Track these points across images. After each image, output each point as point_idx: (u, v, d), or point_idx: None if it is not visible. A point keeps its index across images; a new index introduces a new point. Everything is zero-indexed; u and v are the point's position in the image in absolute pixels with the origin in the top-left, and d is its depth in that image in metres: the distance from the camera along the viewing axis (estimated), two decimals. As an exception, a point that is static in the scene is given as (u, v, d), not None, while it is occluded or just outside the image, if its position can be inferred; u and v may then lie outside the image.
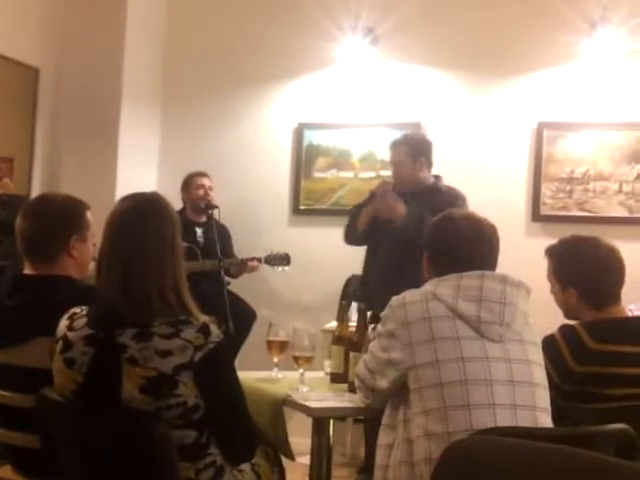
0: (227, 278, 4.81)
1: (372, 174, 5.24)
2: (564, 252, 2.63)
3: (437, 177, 4.28)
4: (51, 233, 2.43)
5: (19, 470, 2.44)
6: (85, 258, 2.49)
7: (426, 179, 4.24)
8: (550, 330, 2.50)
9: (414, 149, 4.24)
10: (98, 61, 5.23)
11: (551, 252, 2.66)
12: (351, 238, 4.34)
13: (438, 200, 3.99)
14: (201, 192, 5.00)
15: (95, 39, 5.23)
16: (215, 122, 5.51)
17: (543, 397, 2.16)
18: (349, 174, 5.30)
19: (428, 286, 2.25)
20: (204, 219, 4.98)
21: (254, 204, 5.36)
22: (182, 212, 4.91)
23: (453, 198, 4.10)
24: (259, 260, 4.88)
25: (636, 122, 4.80)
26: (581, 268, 2.56)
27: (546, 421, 2.14)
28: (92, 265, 2.40)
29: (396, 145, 4.30)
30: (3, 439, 2.43)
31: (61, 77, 5.30)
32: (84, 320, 2.08)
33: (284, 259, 4.89)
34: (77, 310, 2.12)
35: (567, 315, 2.65)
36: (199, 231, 4.95)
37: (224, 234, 5.03)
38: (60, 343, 2.09)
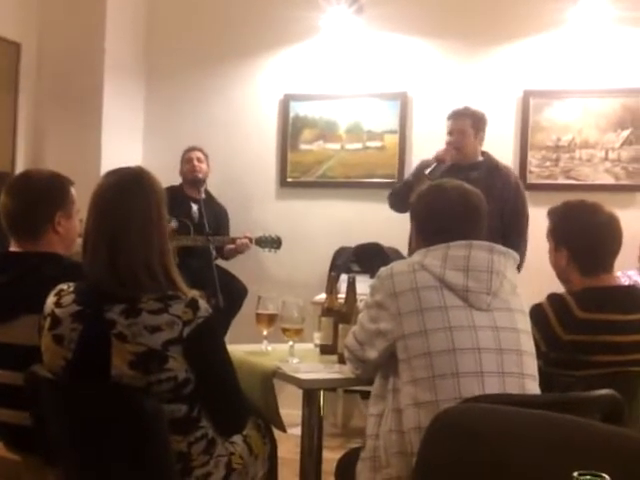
0: (220, 260, 4.82)
1: (359, 145, 5.23)
2: (564, 212, 2.62)
3: (484, 152, 4.31)
4: (35, 210, 2.43)
5: (11, 447, 2.44)
6: (71, 234, 2.49)
7: (479, 154, 4.28)
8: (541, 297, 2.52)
9: (477, 122, 4.26)
10: (80, 35, 5.19)
11: (552, 212, 2.65)
12: (404, 205, 3.93)
13: (502, 177, 4.15)
14: (188, 165, 5.00)
15: (76, 12, 5.18)
16: (200, 95, 5.47)
17: (530, 364, 2.17)
18: (336, 145, 5.29)
19: (416, 257, 2.25)
20: (201, 195, 4.97)
21: (241, 177, 5.35)
22: (180, 187, 4.97)
23: (513, 176, 4.29)
24: (250, 239, 4.87)
25: (621, 89, 4.81)
26: (577, 230, 2.55)
27: (533, 388, 2.15)
28: (79, 241, 2.39)
29: (459, 115, 4.26)
30: (-7, 416, 2.45)
31: (43, 52, 5.25)
32: (72, 297, 2.08)
33: (275, 242, 4.88)
34: (64, 287, 2.11)
35: (559, 276, 2.65)
36: (194, 207, 4.94)
37: (221, 214, 5.06)
38: (48, 320, 2.09)
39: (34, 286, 2.20)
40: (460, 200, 2.33)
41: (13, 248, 2.45)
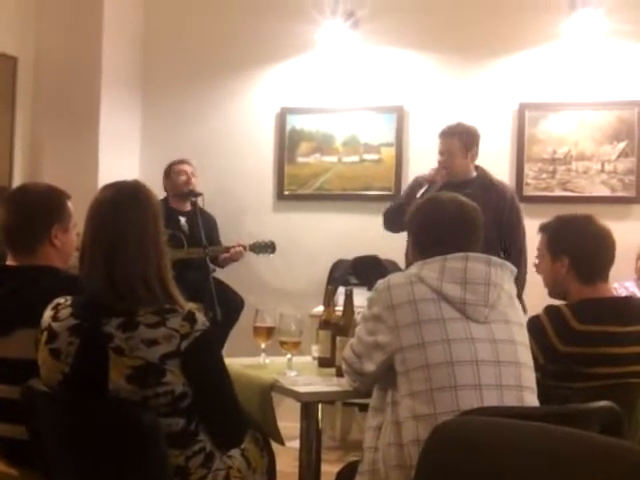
0: (213, 266, 4.80)
1: (355, 158, 5.24)
2: (560, 224, 2.63)
3: (477, 167, 4.29)
4: (32, 223, 2.43)
5: (9, 461, 2.43)
6: (68, 248, 2.48)
7: (470, 171, 4.25)
8: (536, 311, 2.52)
9: (466, 140, 4.21)
10: (76, 48, 5.19)
11: (546, 226, 2.66)
12: (398, 225, 3.95)
13: (497, 193, 4.13)
14: (183, 178, 4.96)
15: (73, 26, 5.19)
16: (197, 108, 5.48)
17: (529, 377, 2.17)
18: (333, 158, 5.29)
19: (413, 269, 2.25)
20: (188, 208, 4.95)
21: (238, 190, 5.35)
22: (164, 201, 4.84)
23: (509, 191, 4.28)
24: (244, 247, 4.87)
25: (616, 101, 4.83)
26: (577, 238, 2.56)
27: (532, 400, 2.15)
28: (76, 254, 2.39)
29: (448, 135, 4.23)
30: (-10, 431, 2.44)
31: (40, 65, 5.26)
32: (69, 310, 2.07)
33: (269, 247, 4.88)
34: (61, 300, 2.11)
35: (553, 290, 2.65)
36: (182, 220, 4.91)
37: (210, 222, 5.01)
38: (45, 334, 2.08)
39: (31, 300, 2.20)
40: (456, 212, 2.34)
41: (10, 262, 2.45)
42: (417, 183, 4.28)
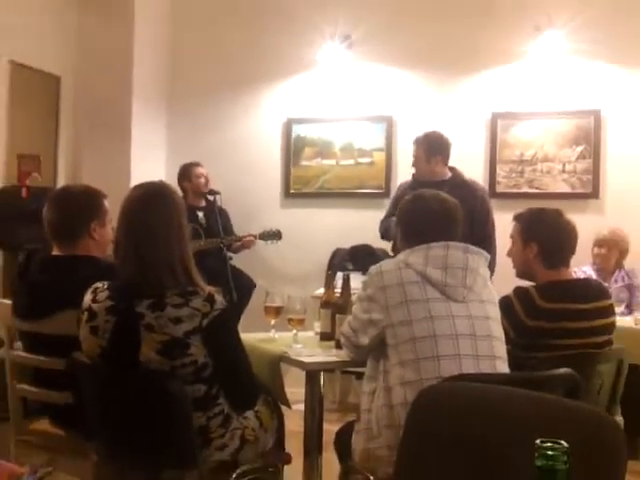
0: (229, 255, 4.80)
1: (351, 161, 5.24)
2: (533, 215, 2.62)
3: (452, 169, 4.22)
4: (73, 219, 2.43)
5: (55, 423, 2.45)
6: (105, 240, 2.49)
7: (443, 173, 4.18)
8: (507, 291, 2.52)
9: (430, 148, 4.15)
10: (111, 69, 5.19)
11: (519, 216, 2.65)
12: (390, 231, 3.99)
13: (469, 191, 4.04)
14: (202, 180, 4.95)
15: (107, 49, 5.18)
16: (215, 119, 5.48)
17: (500, 348, 2.17)
18: (332, 162, 5.28)
19: (401, 256, 2.25)
20: (203, 204, 4.96)
21: (251, 189, 5.35)
22: (184, 198, 4.86)
23: (480, 189, 4.21)
24: (254, 236, 4.88)
25: (575, 111, 4.82)
26: (547, 229, 2.56)
27: (503, 368, 2.15)
28: (111, 246, 2.40)
29: (414, 143, 4.23)
30: (41, 397, 2.45)
31: (79, 83, 5.25)
32: (106, 293, 2.08)
33: (276, 235, 4.88)
34: (99, 285, 2.11)
35: (521, 272, 2.64)
36: (200, 214, 4.91)
37: (224, 216, 5.00)
38: (86, 314, 2.09)
39: (72, 284, 2.20)
40: (438, 207, 2.33)
41: (55, 252, 2.45)
42: (401, 188, 4.25)
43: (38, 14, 4.92)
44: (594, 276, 4.22)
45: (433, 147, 4.16)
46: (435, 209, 2.32)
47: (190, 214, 4.68)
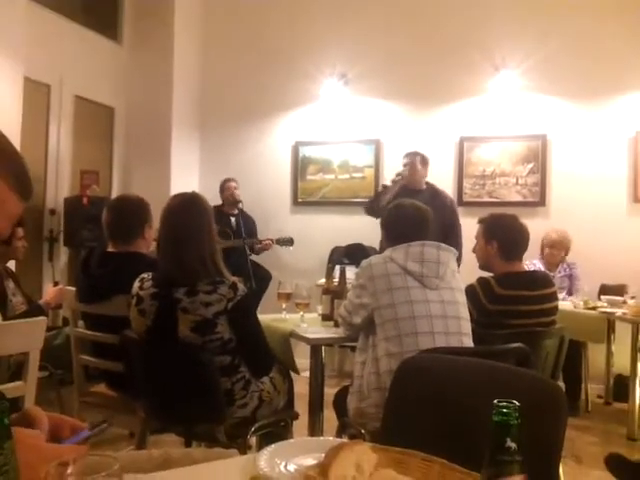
0: (250, 252, 4.80)
1: (347, 176, 5.23)
2: (494, 219, 2.62)
3: (427, 182, 4.29)
4: (130, 222, 2.43)
5: (110, 387, 2.45)
6: (150, 239, 2.49)
7: (424, 183, 4.26)
8: (471, 282, 2.52)
9: (423, 159, 4.26)
10: (154, 101, 5.18)
11: (483, 219, 2.65)
12: (374, 211, 4.08)
13: (441, 200, 4.13)
14: (229, 192, 4.96)
15: (152, 85, 5.18)
16: (237, 142, 5.47)
17: (466, 326, 2.17)
18: (331, 176, 5.27)
19: (386, 252, 2.24)
20: (236, 212, 4.96)
21: (266, 199, 5.34)
22: (221, 207, 4.89)
23: (449, 198, 4.30)
24: (272, 240, 4.88)
25: (527, 135, 4.80)
26: (505, 229, 2.55)
27: (469, 342, 2.15)
28: (153, 244, 2.39)
29: (413, 155, 4.26)
30: (99, 365, 2.45)
31: (129, 113, 5.24)
32: (150, 282, 2.08)
33: (289, 241, 4.88)
34: (145, 275, 2.12)
35: (483, 265, 2.63)
36: (232, 219, 4.91)
37: (250, 223, 5.02)
38: (134, 299, 2.09)
39: (125, 275, 2.20)
40: (414, 213, 2.32)
41: (110, 249, 2.45)
42: (380, 190, 4.32)
43: (96, 56, 4.92)
44: (542, 268, 4.21)
45: (424, 159, 4.29)
46: (412, 215, 2.31)
47: (225, 219, 4.75)
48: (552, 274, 4.08)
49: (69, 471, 0.64)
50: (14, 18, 3.72)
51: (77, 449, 0.83)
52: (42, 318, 2.02)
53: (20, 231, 3.18)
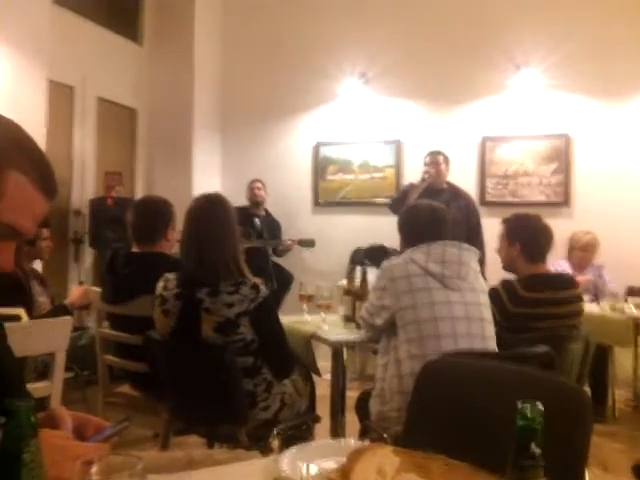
0: (271, 253, 4.82)
1: (367, 176, 5.21)
2: (517, 219, 2.58)
3: (448, 182, 4.29)
4: (154, 223, 2.44)
5: (134, 387, 2.47)
6: (173, 240, 2.50)
7: (445, 182, 4.26)
8: (496, 282, 2.49)
9: (446, 158, 4.29)
10: (176, 102, 5.22)
11: (507, 219, 2.62)
12: (399, 208, 4.02)
13: (464, 199, 4.14)
14: (255, 192, 5.00)
15: (173, 87, 5.22)
16: (259, 143, 5.49)
17: (490, 329, 2.14)
18: (351, 177, 5.26)
19: (407, 254, 2.20)
20: (263, 213, 4.99)
21: (288, 199, 5.34)
22: (247, 207, 4.92)
23: (471, 198, 4.30)
24: (293, 241, 4.89)
25: (550, 134, 4.74)
26: (529, 230, 2.52)
27: (492, 346, 2.12)
28: (177, 245, 2.41)
29: (437, 154, 4.28)
30: (123, 366, 2.47)
31: (152, 114, 5.29)
32: (174, 282, 2.10)
33: (311, 243, 4.89)
34: (169, 276, 2.14)
35: (506, 266, 2.60)
36: (257, 220, 4.93)
37: (275, 225, 5.05)
38: (158, 299, 2.11)
39: (149, 276, 2.21)
40: (429, 214, 2.29)
41: (134, 250, 2.48)
42: (406, 187, 4.32)
43: (118, 58, 4.98)
44: (569, 270, 4.15)
45: (446, 158, 4.31)
46: (428, 215, 2.28)
47: (249, 220, 4.79)
48: (580, 275, 4.02)
49: (94, 470, 0.65)
50: (39, 21, 3.79)
51: (101, 447, 0.84)
52: (67, 318, 2.05)
53: (45, 232, 3.24)
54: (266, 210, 5.03)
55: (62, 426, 0.87)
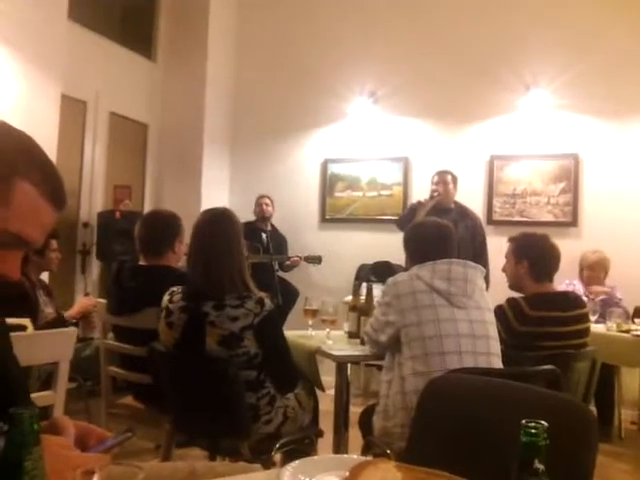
0: (277, 268, 4.82)
1: (375, 193, 5.22)
2: (525, 238, 2.57)
3: (455, 202, 4.32)
4: (162, 236, 2.45)
5: (137, 398, 2.47)
6: (180, 254, 2.51)
7: (452, 202, 4.29)
8: (500, 301, 2.48)
9: (453, 178, 4.32)
10: (187, 118, 5.28)
11: (514, 238, 2.61)
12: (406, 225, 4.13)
13: (471, 219, 4.19)
14: (263, 208, 5.02)
15: (185, 103, 5.28)
16: (267, 158, 5.52)
17: (495, 346, 2.13)
18: (359, 194, 5.27)
19: (412, 270, 2.20)
20: (269, 228, 5.00)
21: (295, 215, 5.36)
22: (254, 222, 4.94)
23: (478, 218, 4.32)
24: (300, 258, 4.90)
25: (558, 154, 4.74)
26: (536, 249, 2.51)
27: (498, 363, 2.11)
28: (183, 258, 2.42)
29: (445, 173, 4.31)
30: (126, 377, 2.47)
31: (163, 129, 5.35)
32: (180, 296, 2.11)
33: (317, 259, 4.89)
34: (175, 289, 2.15)
35: (513, 284, 2.58)
36: (263, 235, 4.95)
37: (281, 240, 5.06)
38: (164, 311, 2.12)
39: (155, 288, 2.23)
40: (435, 231, 2.29)
41: (141, 262, 2.49)
42: (414, 205, 4.33)
43: (131, 74, 5.05)
44: (582, 289, 4.13)
45: (454, 177, 4.34)
46: (433, 233, 2.28)
47: (257, 234, 4.80)
48: (592, 297, 4.01)
49: (95, 479, 0.65)
50: (55, 37, 3.86)
51: (102, 457, 0.84)
52: (72, 329, 2.05)
53: (54, 243, 3.26)
54: (272, 225, 5.05)
55: (65, 435, 0.88)
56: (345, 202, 5.31)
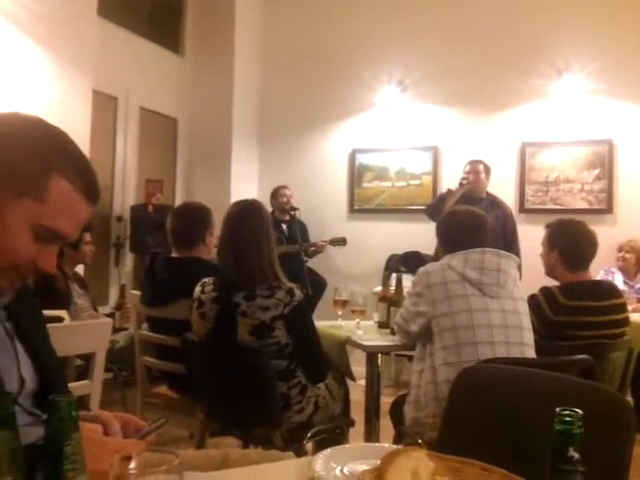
0: (306, 259, 4.83)
1: (404, 183, 5.18)
2: (558, 225, 2.52)
3: (487, 192, 4.29)
4: (193, 228, 2.48)
5: (171, 388, 2.51)
6: (211, 245, 2.54)
7: (484, 192, 4.27)
8: (532, 291, 2.44)
9: (486, 167, 4.30)
10: (216, 112, 5.31)
11: (549, 224, 2.55)
12: (438, 215, 4.07)
13: (502, 209, 4.17)
14: (285, 199, 5.01)
15: (213, 97, 5.31)
16: (295, 150, 5.53)
17: (528, 336, 2.10)
18: (387, 184, 5.24)
19: (444, 260, 2.19)
20: (287, 218, 5.01)
21: (324, 206, 5.36)
22: (272, 213, 4.93)
23: (509, 208, 4.30)
24: (325, 242, 4.89)
25: (592, 140, 4.63)
26: (568, 237, 2.45)
27: (531, 353, 2.09)
28: (214, 250, 2.44)
29: (477, 162, 4.29)
30: (161, 367, 2.52)
31: (192, 124, 5.39)
32: (211, 287, 2.13)
33: (342, 241, 4.90)
34: (206, 280, 2.17)
35: (547, 272, 2.54)
36: (284, 226, 4.96)
37: (303, 228, 5.05)
38: (196, 302, 2.15)
39: (187, 280, 2.25)
40: (469, 220, 2.26)
41: (174, 254, 2.52)
42: (444, 193, 4.32)
43: (161, 69, 5.10)
44: (620, 275, 4.07)
45: (487, 168, 4.32)
46: (467, 222, 2.25)
47: (276, 225, 4.80)
48: (632, 283, 3.95)
49: (132, 464, 0.67)
50: (86, 34, 3.92)
51: (139, 444, 0.86)
52: (108, 320, 2.09)
53: (87, 236, 3.33)
54: (291, 215, 4.99)
55: (110, 429, 0.90)
56: (374, 192, 5.28)
